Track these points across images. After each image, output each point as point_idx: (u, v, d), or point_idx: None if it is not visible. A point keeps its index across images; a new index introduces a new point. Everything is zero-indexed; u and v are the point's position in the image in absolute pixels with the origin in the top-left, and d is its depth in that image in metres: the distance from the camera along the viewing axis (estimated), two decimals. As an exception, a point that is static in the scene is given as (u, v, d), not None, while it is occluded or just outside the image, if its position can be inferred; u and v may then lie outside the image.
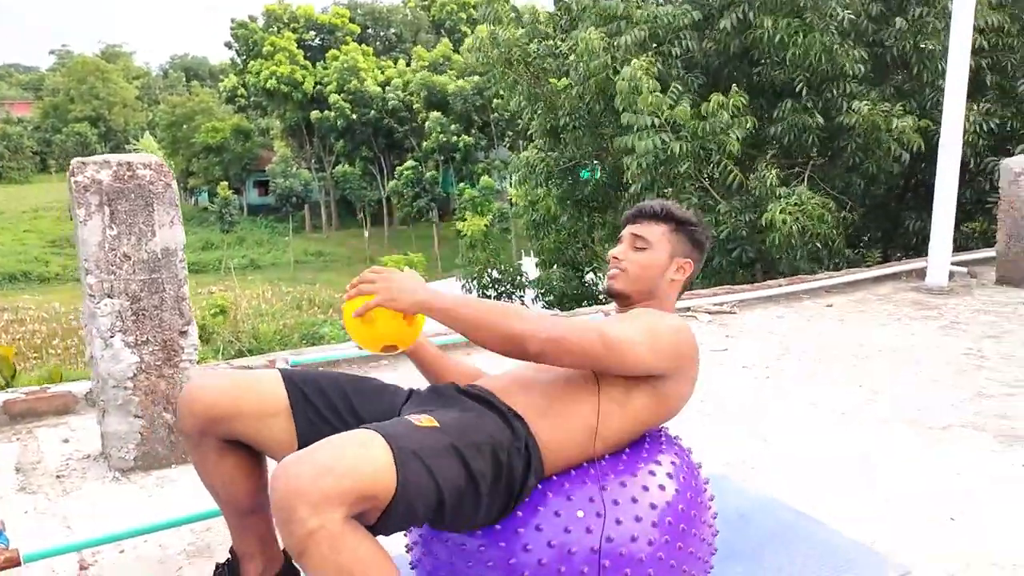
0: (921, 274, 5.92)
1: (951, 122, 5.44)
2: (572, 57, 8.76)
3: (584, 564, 1.65)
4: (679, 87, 7.54)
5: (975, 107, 7.66)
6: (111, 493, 2.74)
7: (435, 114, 33.74)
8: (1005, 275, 5.72)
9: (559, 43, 9.51)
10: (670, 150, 7.43)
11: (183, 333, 2.89)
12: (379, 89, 36.97)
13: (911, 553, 2.35)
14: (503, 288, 10.43)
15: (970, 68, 7.81)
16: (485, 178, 34.08)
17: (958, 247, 8.38)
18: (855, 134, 7.64)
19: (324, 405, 1.80)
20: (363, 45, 41.42)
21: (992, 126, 7.83)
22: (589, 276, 11.03)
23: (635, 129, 7.54)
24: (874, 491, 2.73)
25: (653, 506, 1.73)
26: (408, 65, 38.33)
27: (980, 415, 3.39)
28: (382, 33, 47.65)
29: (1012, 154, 7.60)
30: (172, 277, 2.85)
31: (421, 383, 2.05)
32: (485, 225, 14.53)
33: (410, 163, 35.08)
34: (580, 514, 1.68)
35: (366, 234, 40.74)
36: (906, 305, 5.27)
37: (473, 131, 35.60)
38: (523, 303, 10.79)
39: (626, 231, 2.00)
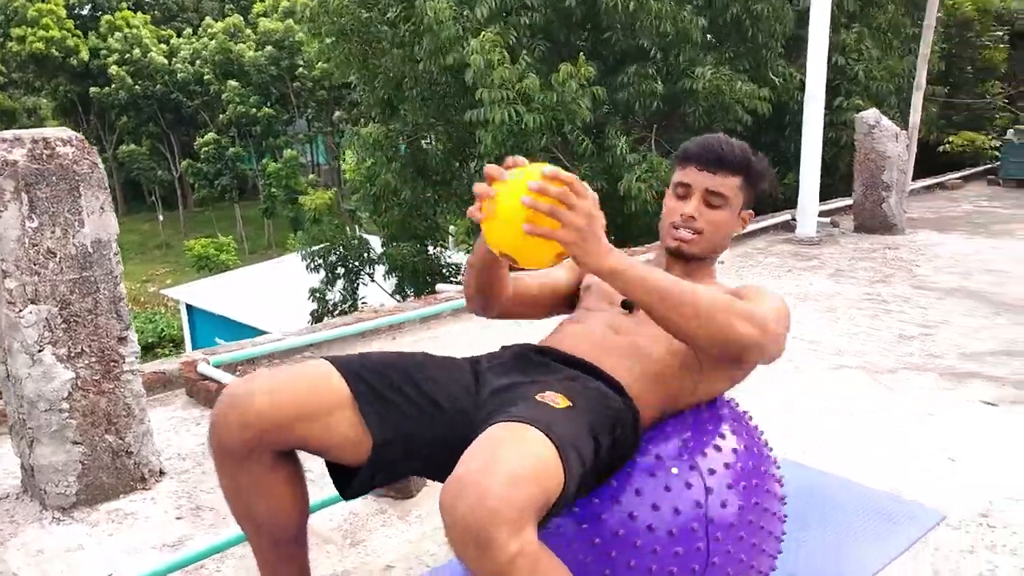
0: (787, 227, 6.21)
1: (815, 76, 5.68)
2: (409, 25, 8.46)
3: (693, 522, 1.53)
4: (527, 58, 7.44)
5: (796, 66, 8.14)
6: (57, 537, 2.29)
7: (232, 83, 31.82)
8: (863, 223, 6.10)
9: (395, 11, 9.14)
10: (524, 122, 7.33)
11: (122, 340, 2.46)
12: (165, 60, 34.36)
13: (933, 498, 2.40)
14: (351, 264, 9.99)
15: (789, 31, 8.35)
16: (289, 151, 32.67)
17: (788, 201, 8.94)
18: (700, 99, 7.87)
19: (390, 389, 1.52)
20: (139, 13, 38.30)
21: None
22: (434, 250, 10.82)
23: (487, 102, 7.37)
24: (860, 441, 2.78)
25: (729, 464, 1.63)
26: (195, 35, 35.84)
27: (915, 356, 3.56)
28: (162, 1, 44.32)
29: (839, 108, 8.15)
30: (106, 275, 2.41)
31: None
32: (329, 199, 13.84)
33: (211, 136, 32.91)
34: (675, 470, 1.56)
35: (160, 217, 38.04)
36: (788, 257, 5.48)
37: (271, 103, 33.96)
38: (372, 279, 10.41)
39: (697, 180, 1.75)
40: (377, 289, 10.65)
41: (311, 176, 33.97)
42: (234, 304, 15.81)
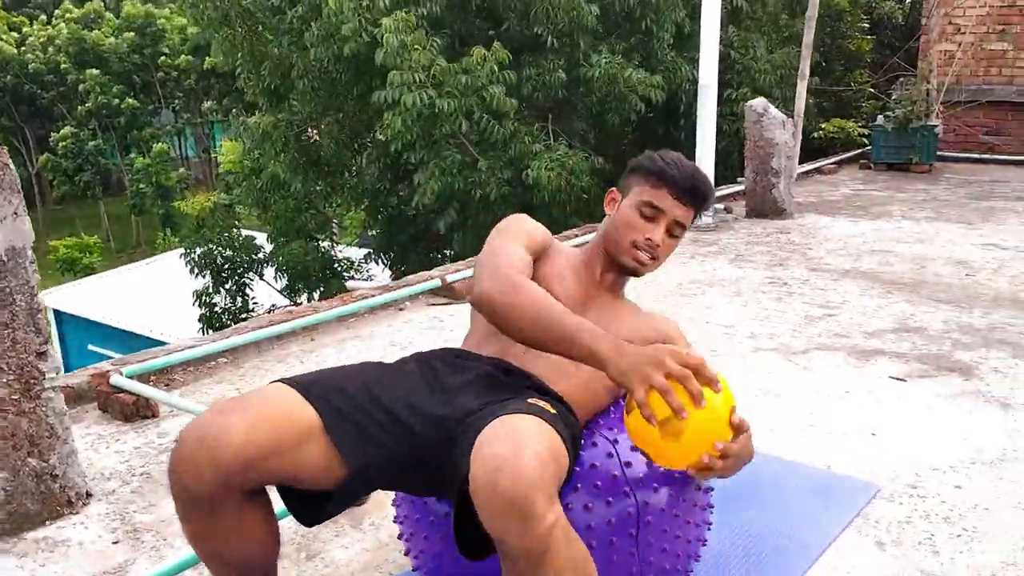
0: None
1: (707, 66, 5.84)
2: (296, 10, 8.21)
3: (625, 522, 1.58)
4: (437, 42, 7.36)
5: (684, 57, 8.39)
6: (-18, 571, 2.13)
7: (93, 72, 30.02)
8: (754, 208, 6.33)
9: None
10: (437, 107, 7.24)
11: (41, 355, 2.29)
12: (15, 50, 32.14)
13: (862, 472, 2.53)
14: (239, 268, 9.63)
15: (679, 22, 8.59)
16: (159, 145, 31.20)
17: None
18: (595, 87, 7.98)
19: (357, 411, 1.49)
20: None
21: (696, 74, 8.57)
22: (324, 244, 10.59)
23: (395, 85, 7.22)
24: (786, 420, 2.89)
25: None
26: (49, 22, 33.66)
27: (823, 336, 3.73)
28: (8, -14, 41.43)
29: (728, 99, 8.44)
30: (22, 285, 2.24)
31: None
32: (213, 201, 13.17)
33: (68, 130, 30.99)
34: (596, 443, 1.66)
35: (16, 216, 35.63)
36: (689, 243, 5.64)
37: (135, 93, 32.29)
38: (261, 278, 10.06)
39: (670, 209, 1.76)
40: (267, 289, 10.34)
41: (180, 170, 32.59)
42: (110, 309, 15.00)
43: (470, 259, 5.04)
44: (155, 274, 16.64)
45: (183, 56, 29.26)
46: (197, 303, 9.76)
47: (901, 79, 9.02)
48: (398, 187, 9.29)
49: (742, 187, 6.62)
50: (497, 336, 1.75)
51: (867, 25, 12.56)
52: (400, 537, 1.82)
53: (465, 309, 4.28)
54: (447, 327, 4.01)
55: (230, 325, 9.86)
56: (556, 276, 1.80)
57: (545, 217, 7.72)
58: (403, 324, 4.07)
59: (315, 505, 1.49)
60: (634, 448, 1.51)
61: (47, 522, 2.33)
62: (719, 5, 5.71)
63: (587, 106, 8.27)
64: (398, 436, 1.50)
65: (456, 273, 4.58)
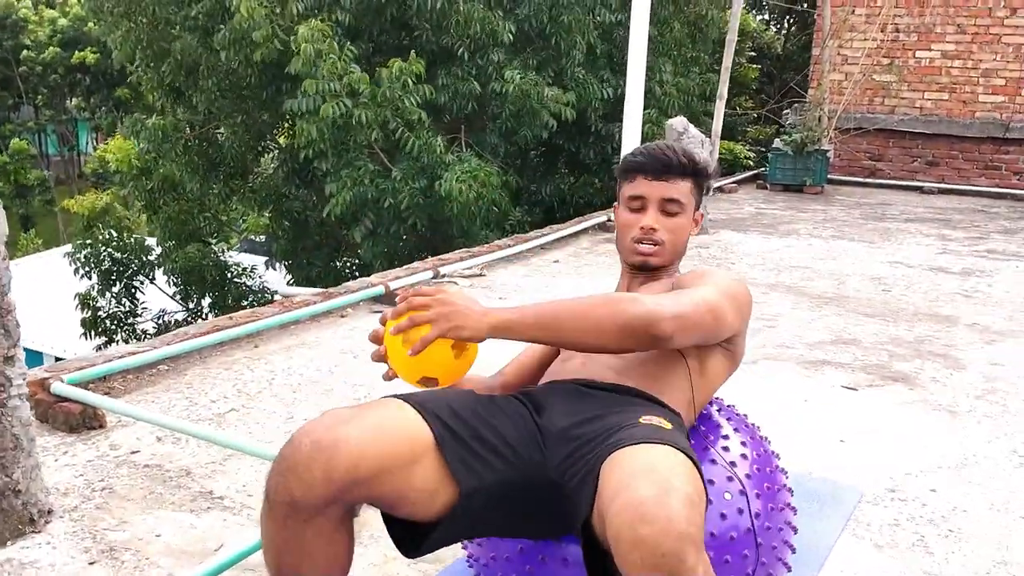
0: (604, 227, 6.48)
1: (634, 82, 5.96)
2: (201, 6, 7.88)
3: (741, 528, 1.58)
4: (352, 51, 7.21)
5: (594, 76, 8.55)
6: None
7: (-55, 65, 27.97)
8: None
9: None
10: (354, 117, 7.08)
11: (9, 359, 2.09)
12: None
13: (841, 478, 2.61)
14: (129, 269, 9.12)
15: (591, 42, 8.74)
16: (17, 141, 29.24)
17: (587, 203, 9.34)
18: (508, 102, 8.00)
19: (469, 433, 1.44)
20: None
21: (607, 93, 8.76)
22: (216, 246, 10.19)
23: (310, 94, 7.02)
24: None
25: (752, 471, 1.72)
26: None
27: (768, 347, 3.85)
28: None
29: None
30: (-9, 283, 2.03)
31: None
32: (105, 201, 12.37)
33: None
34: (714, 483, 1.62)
35: None
36: (615, 255, 5.71)
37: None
38: (152, 282, 9.58)
39: (650, 192, 1.77)
40: (158, 295, 9.84)
41: (37, 172, 30.63)
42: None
43: (411, 266, 4.94)
44: (19, 277, 15.52)
45: (51, 49, 27.59)
46: (80, 306, 9.18)
47: (795, 105, 9.48)
48: (304, 193, 9.05)
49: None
50: (556, 368, 1.78)
51: (753, 54, 13.22)
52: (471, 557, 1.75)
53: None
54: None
55: (116, 330, 9.37)
56: None
57: (457, 229, 7.69)
58: (349, 331, 3.94)
59: (418, 534, 1.41)
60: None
61: (8, 542, 2.11)
62: (647, 22, 5.83)
63: (500, 120, 8.29)
64: (509, 465, 1.44)
65: (397, 280, 4.48)
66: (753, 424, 2.01)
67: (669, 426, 1.44)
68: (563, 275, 5.17)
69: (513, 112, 8.11)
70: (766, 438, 1.97)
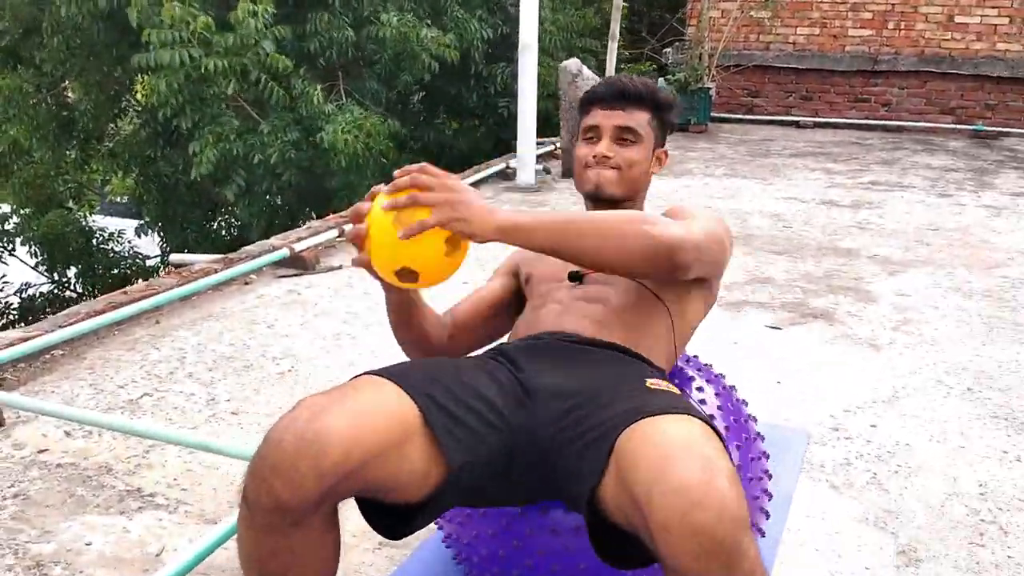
0: (503, 175, 6.36)
1: (528, 23, 5.80)
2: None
3: None
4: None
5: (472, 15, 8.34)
6: None
7: None
8: (570, 168, 6.40)
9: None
10: (204, 67, 6.62)
11: None
12: None
13: (787, 421, 2.64)
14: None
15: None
16: None
17: (473, 150, 9.17)
18: (387, 46, 7.70)
19: (456, 404, 1.31)
20: None
21: (487, 33, 8.57)
22: (79, 212, 9.52)
23: (156, 44, 6.53)
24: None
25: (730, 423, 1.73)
26: None
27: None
28: None
29: (511, 60, 8.48)
30: None
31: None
32: None
33: None
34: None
35: None
36: (519, 204, 5.64)
37: None
38: (12, 254, 8.86)
39: (604, 121, 1.72)
40: (20, 267, 9.12)
41: None
42: None
43: (312, 225, 4.70)
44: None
45: None
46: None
47: (676, 43, 9.54)
48: (171, 154, 8.50)
49: (547, 148, 6.72)
50: (530, 318, 1.66)
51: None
52: (458, 558, 1.65)
53: (322, 280, 3.99)
54: (309, 300, 3.71)
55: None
56: None
57: (343, 183, 7.40)
58: (257, 300, 3.71)
59: (402, 516, 1.29)
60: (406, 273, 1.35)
61: (-83, 571, 1.86)
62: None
63: (379, 66, 7.97)
64: (497, 434, 1.33)
65: (301, 242, 4.24)
66: (719, 374, 1.98)
67: (676, 391, 1.37)
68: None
69: (392, 56, 7.82)
70: (733, 387, 1.95)
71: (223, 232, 9.14)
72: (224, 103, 7.13)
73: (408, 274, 1.33)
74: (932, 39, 9.05)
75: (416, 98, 9.33)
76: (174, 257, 4.33)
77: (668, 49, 9.85)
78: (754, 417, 1.88)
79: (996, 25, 8.85)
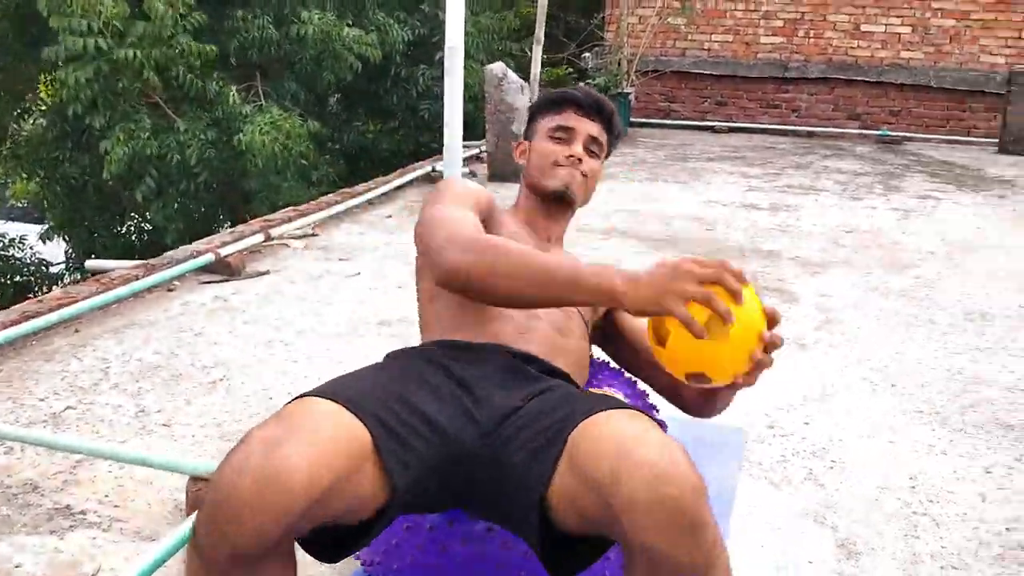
0: (428, 178, 6.33)
1: (455, 25, 5.75)
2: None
3: None
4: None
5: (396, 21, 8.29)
6: None
7: None
8: (496, 171, 6.45)
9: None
10: (117, 58, 6.40)
11: None
12: None
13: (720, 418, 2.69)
14: None
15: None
16: None
17: (393, 153, 9.10)
18: (309, 45, 7.57)
19: (400, 425, 1.26)
20: None
21: (407, 35, 8.52)
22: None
23: (62, 34, 6.28)
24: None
25: None
26: None
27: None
28: None
29: (432, 62, 8.46)
30: None
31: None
32: None
33: None
34: None
35: None
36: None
37: None
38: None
39: (580, 126, 1.72)
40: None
41: None
42: None
43: (237, 229, 4.57)
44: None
45: None
46: None
47: (595, 48, 9.66)
48: (79, 155, 8.17)
49: (473, 151, 6.71)
50: (481, 318, 1.59)
51: (532, -6, 13.21)
52: (367, 564, 1.60)
53: (250, 286, 3.89)
54: (237, 307, 3.61)
55: None
56: (513, 237, 1.60)
57: (262, 184, 7.25)
58: (182, 307, 3.59)
59: (338, 540, 1.24)
60: (689, 376, 1.31)
61: None
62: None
63: (299, 65, 7.84)
64: (436, 451, 1.29)
65: (226, 247, 4.13)
66: (629, 376, 1.98)
67: (619, 395, 1.39)
68: (401, 230, 4.99)
69: (314, 56, 7.70)
70: (645, 392, 1.96)
71: (133, 237, 8.83)
72: (139, 99, 6.91)
73: (701, 379, 1.32)
74: (840, 47, 9.40)
75: (334, 99, 9.21)
76: (91, 263, 4.15)
77: (587, 54, 9.95)
78: (664, 423, 1.89)
79: (900, 34, 9.25)
